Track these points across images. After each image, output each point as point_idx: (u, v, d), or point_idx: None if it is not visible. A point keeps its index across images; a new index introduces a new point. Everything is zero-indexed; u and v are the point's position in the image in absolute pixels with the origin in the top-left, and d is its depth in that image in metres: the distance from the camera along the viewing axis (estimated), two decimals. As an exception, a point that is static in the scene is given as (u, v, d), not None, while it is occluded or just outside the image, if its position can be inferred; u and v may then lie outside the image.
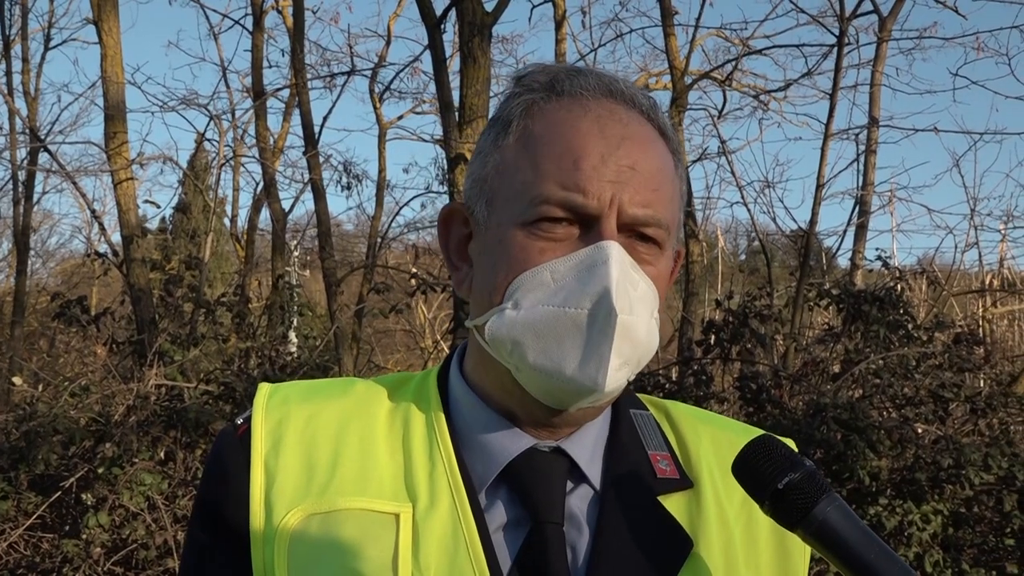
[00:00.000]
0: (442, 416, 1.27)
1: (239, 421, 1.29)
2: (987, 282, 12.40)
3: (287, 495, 1.20)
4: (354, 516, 1.18)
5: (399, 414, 1.29)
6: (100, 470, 5.56)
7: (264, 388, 1.31)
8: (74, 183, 9.95)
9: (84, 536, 5.52)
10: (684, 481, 1.29)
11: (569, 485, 1.24)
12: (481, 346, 1.25)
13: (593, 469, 1.26)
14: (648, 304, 1.20)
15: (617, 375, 1.18)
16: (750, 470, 1.17)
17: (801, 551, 1.30)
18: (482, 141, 1.29)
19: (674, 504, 1.26)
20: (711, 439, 1.34)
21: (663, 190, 1.22)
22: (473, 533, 1.17)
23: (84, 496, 5.62)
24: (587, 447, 1.27)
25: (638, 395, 1.38)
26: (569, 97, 1.23)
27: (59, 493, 5.68)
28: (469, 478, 1.22)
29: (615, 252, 1.16)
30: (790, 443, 1.36)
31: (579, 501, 1.24)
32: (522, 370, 1.19)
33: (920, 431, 6.07)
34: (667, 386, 6.99)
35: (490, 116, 1.31)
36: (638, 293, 1.18)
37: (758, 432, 1.27)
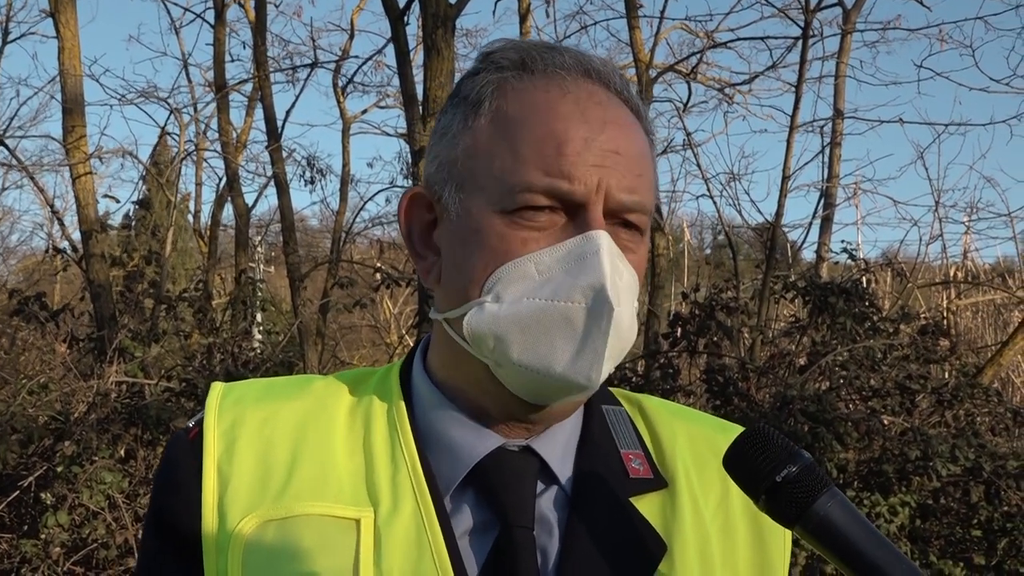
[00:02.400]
0: (405, 414, 1.21)
1: (191, 424, 1.23)
2: (951, 274, 12.48)
3: (241, 501, 1.14)
4: (312, 522, 1.12)
5: (360, 413, 1.22)
6: (59, 469, 5.47)
7: (217, 388, 1.24)
8: (32, 178, 9.82)
9: (43, 536, 5.43)
10: (658, 481, 1.23)
11: (539, 486, 1.19)
12: (451, 340, 1.18)
13: (564, 469, 1.20)
14: (632, 293, 1.15)
15: (605, 368, 1.12)
16: (744, 463, 1.09)
17: (780, 549, 1.25)
18: (446, 121, 1.21)
19: (647, 505, 1.21)
20: (687, 436, 1.29)
21: (646, 175, 1.17)
22: (438, 539, 1.11)
23: (43, 495, 5.53)
24: (558, 446, 1.21)
25: (611, 389, 1.33)
26: (544, 77, 1.17)
27: (17, 492, 5.58)
28: (434, 480, 1.15)
29: (605, 242, 1.11)
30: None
31: (550, 503, 1.19)
32: (504, 366, 1.13)
33: (887, 423, 6.08)
34: (633, 379, 6.96)
35: (455, 93, 1.23)
36: (624, 283, 1.13)
37: (736, 428, 1.21)
